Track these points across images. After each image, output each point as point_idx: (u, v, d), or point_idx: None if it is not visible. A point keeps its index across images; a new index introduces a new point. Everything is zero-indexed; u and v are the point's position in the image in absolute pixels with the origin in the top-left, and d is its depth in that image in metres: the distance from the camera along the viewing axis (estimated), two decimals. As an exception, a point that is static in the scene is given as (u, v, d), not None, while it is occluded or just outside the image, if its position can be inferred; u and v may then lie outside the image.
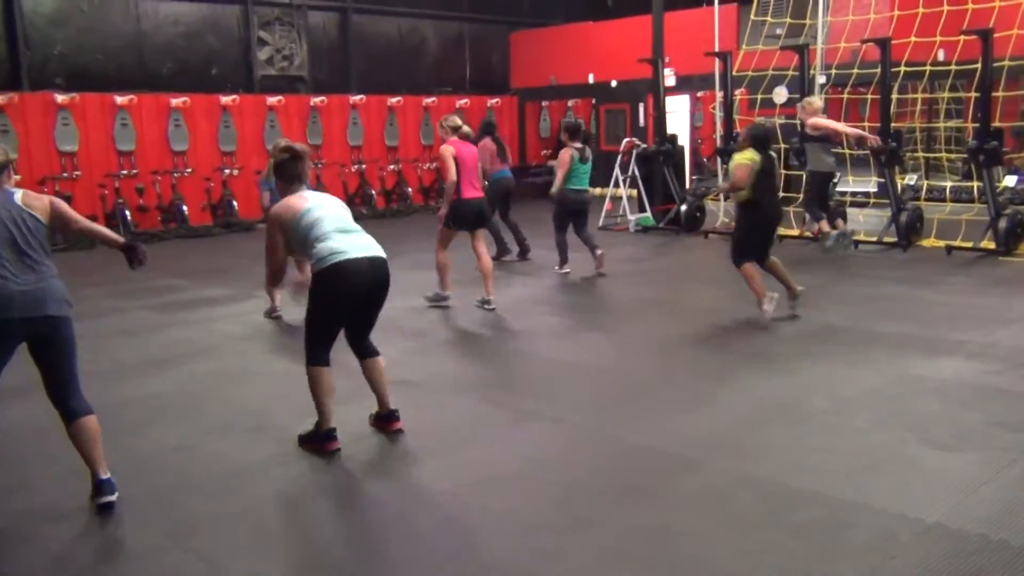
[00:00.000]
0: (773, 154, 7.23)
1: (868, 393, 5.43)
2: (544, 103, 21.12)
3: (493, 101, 20.22)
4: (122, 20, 15.58)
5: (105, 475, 4.13)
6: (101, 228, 4.52)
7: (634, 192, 13.72)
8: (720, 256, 11.20)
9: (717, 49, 12.97)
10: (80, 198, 13.84)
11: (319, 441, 4.73)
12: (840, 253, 10.12)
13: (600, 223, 13.53)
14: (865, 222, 11.85)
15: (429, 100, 18.90)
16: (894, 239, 10.89)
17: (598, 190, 18.17)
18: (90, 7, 15.21)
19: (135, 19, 15.73)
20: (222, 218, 15.19)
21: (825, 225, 10.17)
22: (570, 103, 21.42)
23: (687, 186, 14.71)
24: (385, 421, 5.01)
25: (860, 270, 9.75)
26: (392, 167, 17.67)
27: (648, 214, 13.39)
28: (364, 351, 4.98)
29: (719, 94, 13.03)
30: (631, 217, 13.36)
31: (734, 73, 12.72)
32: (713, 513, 3.90)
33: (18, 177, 12.22)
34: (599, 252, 9.64)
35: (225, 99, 15.82)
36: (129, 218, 14.06)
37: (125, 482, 4.33)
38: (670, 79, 15.79)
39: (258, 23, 17.10)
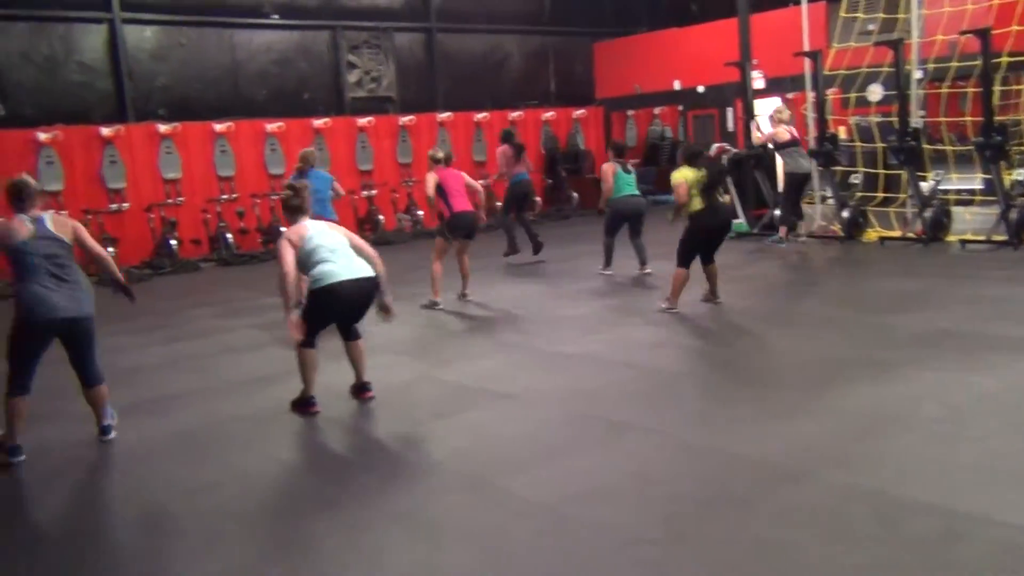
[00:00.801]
0: (709, 168, 8.09)
1: (983, 399, 5.20)
2: (630, 112, 21.00)
3: (578, 112, 20.23)
4: (218, 51, 16.19)
5: (106, 422, 5.56)
6: (109, 260, 5.76)
7: (726, 198, 13.47)
8: (819, 261, 10.93)
9: (807, 49, 12.66)
10: (184, 223, 14.44)
11: (304, 406, 5.84)
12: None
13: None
14: (972, 220, 11.37)
15: (515, 114, 19.02)
16: (1004, 237, 10.41)
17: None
18: (189, 40, 15.87)
19: (230, 49, 16.33)
20: (317, 238, 15.55)
21: (783, 230, 11.82)
22: (656, 111, 21.26)
23: (780, 190, 14.39)
24: (360, 391, 6.10)
25: (969, 271, 9.37)
26: (481, 182, 17.77)
27: (741, 220, 13.14)
28: (349, 336, 6.08)
29: (810, 95, 12.72)
30: (723, 223, 13.12)
31: (825, 72, 12.40)
32: (820, 526, 3.79)
33: (62, 210, 12.79)
34: (647, 269, 10.32)
35: (317, 122, 16.26)
36: (231, 240, 14.56)
37: (233, 499, 4.48)
38: (759, 81, 15.48)
39: (347, 47, 17.55)
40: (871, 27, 13.32)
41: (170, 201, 14.44)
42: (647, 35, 20.60)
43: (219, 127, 15.17)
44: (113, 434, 5.55)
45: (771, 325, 7.65)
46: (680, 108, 20.02)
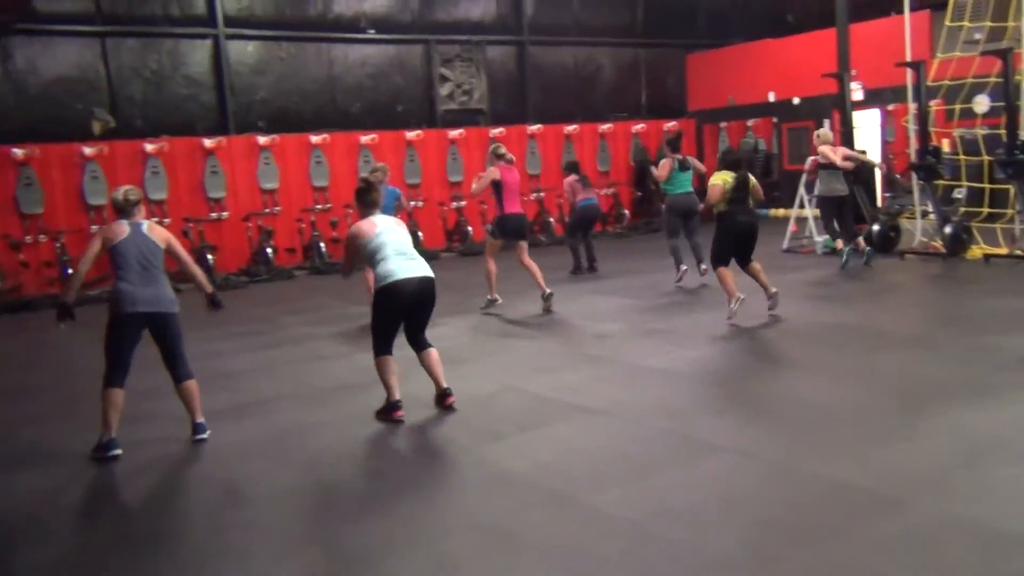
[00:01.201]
0: (744, 173, 8.49)
1: (1097, 428, 4.90)
2: (722, 124, 20.69)
3: (670, 124, 20.01)
4: (316, 65, 16.64)
5: (200, 420, 5.79)
6: (197, 272, 6.06)
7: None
8: (920, 278, 10.54)
9: (909, 59, 12.24)
10: (281, 232, 14.85)
11: (388, 411, 5.95)
12: (851, 265, 11.13)
13: (785, 245, 13.05)
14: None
15: (605, 127, 18.96)
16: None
17: (781, 211, 17.60)
18: (288, 55, 16.35)
19: (328, 63, 16.76)
20: (407, 247, 15.78)
21: (840, 243, 11.55)
22: (749, 123, 20.89)
23: (879, 204, 13.94)
24: (442, 398, 6.10)
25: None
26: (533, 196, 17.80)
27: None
28: (419, 345, 6.13)
29: (912, 106, 12.28)
30: (818, 238, 12.78)
31: (928, 83, 11.97)
32: (918, 558, 3.62)
33: (165, 218, 13.21)
34: (704, 267, 10.31)
35: (410, 134, 16.53)
36: (324, 249, 14.90)
37: (317, 504, 4.56)
38: (858, 93, 15.05)
39: (440, 60, 17.79)
40: (977, 36, 12.78)
41: (267, 211, 14.88)
42: (741, 46, 20.27)
43: (315, 139, 15.57)
44: (207, 433, 5.79)
45: (868, 344, 7.39)
46: (774, 120, 19.63)
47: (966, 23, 12.61)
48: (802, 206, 13.10)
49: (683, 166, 10.74)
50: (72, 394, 7.32)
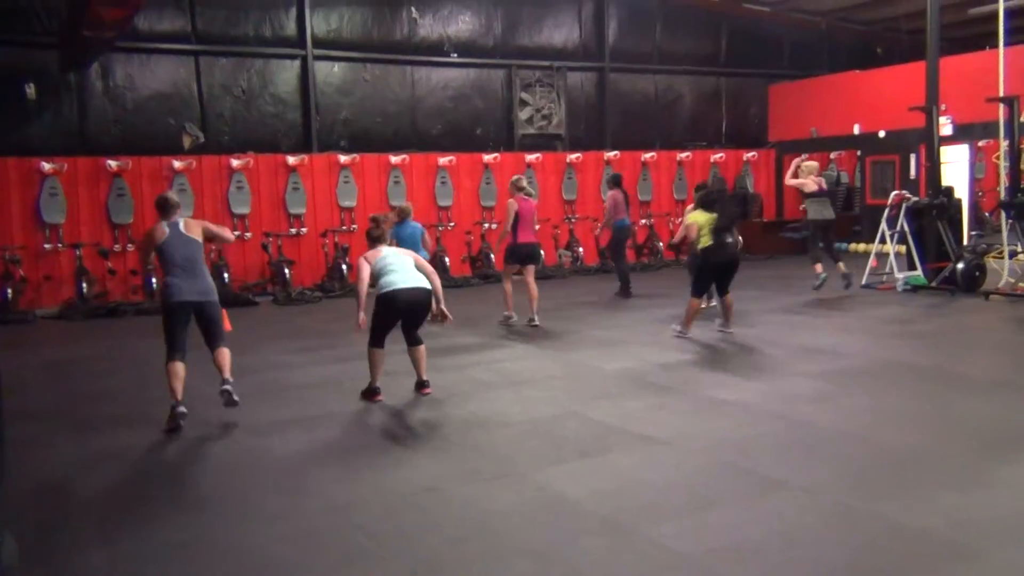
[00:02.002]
0: (731, 211, 9.41)
1: None
2: (803, 156, 20.34)
3: (749, 155, 19.80)
4: (399, 87, 16.95)
5: (228, 376, 6.65)
6: (227, 234, 7.41)
7: (902, 248, 12.77)
8: (1005, 320, 10.15)
9: (1002, 94, 11.85)
10: (356, 250, 15.08)
11: (370, 394, 7.13)
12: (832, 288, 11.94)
13: (864, 281, 12.72)
14: None
15: (683, 155, 18.83)
16: None
17: (862, 246, 17.18)
18: (372, 76, 16.70)
19: (410, 85, 17.06)
20: (480, 269, 15.91)
21: (819, 267, 12.08)
22: (832, 155, 20.51)
23: (965, 242, 13.50)
24: (420, 387, 7.29)
25: None
26: (644, 221, 17.69)
27: (919, 272, 12.40)
28: (411, 341, 7.32)
29: (1004, 143, 11.88)
30: (899, 275, 12.42)
31: (1022, 119, 11.56)
32: (989, 610, 3.46)
33: (247, 232, 13.44)
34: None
35: (487, 157, 16.67)
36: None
37: (374, 519, 4.59)
38: (946, 128, 14.64)
39: (520, 85, 17.94)
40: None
41: (344, 228, 15.15)
42: (826, 77, 19.95)
43: (395, 159, 15.83)
44: (235, 396, 6.59)
45: (946, 386, 7.13)
46: (858, 153, 19.23)
47: (1064, 58, 12.20)
48: (883, 241, 12.76)
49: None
50: (149, 399, 7.55)
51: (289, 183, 14.99)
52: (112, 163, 13.74)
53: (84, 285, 13.12)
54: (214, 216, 14.50)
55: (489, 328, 10.50)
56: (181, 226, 6.66)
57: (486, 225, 16.38)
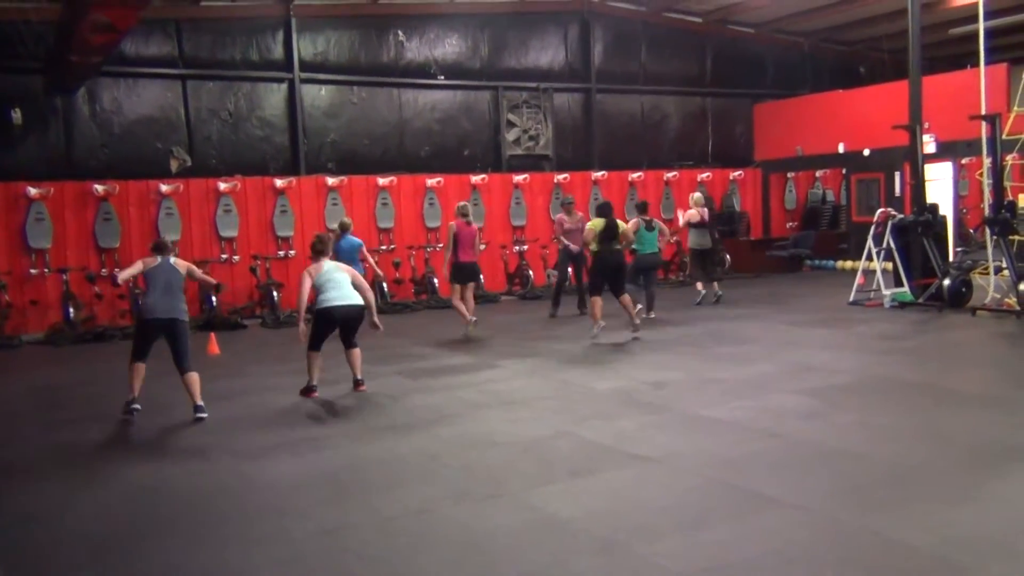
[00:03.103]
0: (613, 220, 10.46)
1: None
2: (789, 174, 20.51)
3: (736, 174, 19.92)
4: (387, 109, 17.02)
5: (199, 403, 7.44)
6: (205, 278, 8.53)
7: (889, 265, 12.86)
8: (992, 336, 10.21)
9: (984, 112, 11.98)
10: (344, 271, 15.07)
11: (307, 391, 8.18)
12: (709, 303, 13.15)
13: (851, 298, 12.78)
14: None
15: (670, 174, 18.94)
16: None
17: (849, 263, 17.28)
18: (360, 99, 16.76)
19: (398, 107, 17.13)
20: (469, 290, 15.89)
21: (700, 285, 13.75)
22: (818, 173, 20.68)
23: (950, 259, 13.60)
24: (356, 385, 8.32)
25: None
26: (670, 239, 17.72)
27: (906, 289, 12.47)
28: (348, 345, 8.36)
29: (987, 160, 12.00)
30: (886, 292, 12.49)
31: (1004, 137, 11.69)
32: (984, 625, 3.46)
33: (235, 256, 13.48)
34: (652, 315, 11.95)
35: (475, 178, 16.72)
36: (386, 289, 15.08)
37: (365, 543, 4.56)
38: (930, 146, 14.79)
39: (507, 106, 18.04)
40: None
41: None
42: (811, 97, 20.16)
43: (382, 181, 15.86)
44: (205, 414, 7.40)
45: (935, 401, 7.16)
46: (844, 171, 19.39)
47: (1045, 76, 12.34)
48: (870, 258, 12.84)
49: (649, 227, 12.25)
50: (137, 425, 7.50)
51: (277, 206, 14.99)
52: (99, 187, 13.71)
53: (71, 310, 13.05)
54: (202, 239, 14.50)
55: (479, 349, 10.50)
56: (171, 260, 7.82)
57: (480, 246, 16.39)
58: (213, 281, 8.83)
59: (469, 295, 11.68)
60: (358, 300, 8.15)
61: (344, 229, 11.90)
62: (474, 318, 11.45)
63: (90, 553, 4.68)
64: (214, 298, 13.84)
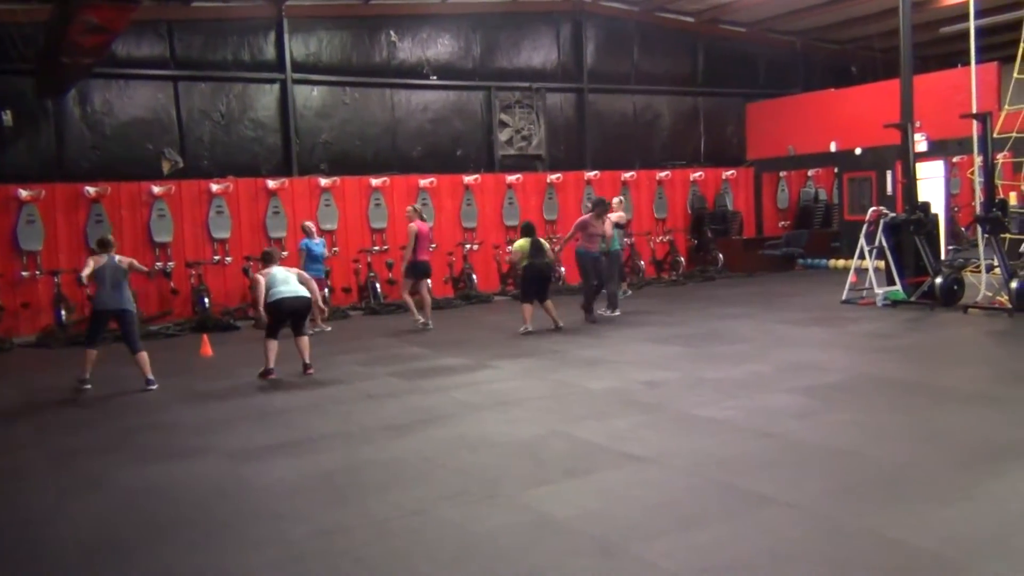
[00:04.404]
0: (537, 239, 11.82)
1: None
2: (782, 173, 20.55)
3: (728, 173, 19.96)
4: (379, 109, 17.00)
5: (150, 377, 9.03)
6: (141, 267, 9.83)
7: (881, 264, 12.90)
8: (984, 334, 10.24)
9: (975, 110, 12.03)
10: (337, 272, 15.06)
11: (264, 374, 9.20)
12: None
13: (843, 296, 12.82)
14: None
15: (663, 174, 18.97)
16: None
17: (841, 262, 17.33)
18: (352, 100, 16.74)
19: (390, 108, 17.11)
20: (462, 290, 15.90)
21: (625, 285, 14.70)
22: (810, 172, 20.74)
23: (942, 257, 13.64)
24: (305, 368, 9.35)
25: None
26: (626, 240, 17.72)
27: (898, 287, 12.51)
28: (297, 333, 9.46)
29: (978, 158, 12.05)
30: (878, 290, 12.53)
31: (995, 135, 11.74)
32: (978, 623, 3.47)
33: (227, 257, 13.46)
34: (560, 324, 11.87)
35: (468, 178, 16.71)
36: (379, 290, 15.06)
37: (361, 544, 4.55)
38: (921, 144, 14.85)
39: (499, 106, 18.03)
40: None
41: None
42: (802, 96, 20.21)
43: (375, 182, 15.84)
44: (155, 386, 8.96)
45: (929, 400, 7.18)
46: (836, 170, 19.44)
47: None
48: (862, 257, 12.88)
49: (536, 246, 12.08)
50: (127, 427, 7.48)
51: (269, 207, 14.96)
52: (90, 189, 13.67)
53: (63, 312, 12.99)
54: (194, 241, 14.46)
55: (473, 349, 10.49)
56: (115, 259, 9.12)
57: (468, 246, 16.39)
58: (146, 269, 10.30)
59: (425, 292, 12.58)
60: (305, 292, 9.41)
61: (308, 233, 13.10)
62: (430, 323, 12.40)
63: (84, 558, 4.66)
64: (207, 299, 13.81)
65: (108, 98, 14.72)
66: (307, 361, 9.40)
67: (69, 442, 7.10)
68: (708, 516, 4.76)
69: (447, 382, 8.70)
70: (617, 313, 12.64)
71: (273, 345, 9.27)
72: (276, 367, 9.23)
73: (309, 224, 13.20)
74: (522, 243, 11.85)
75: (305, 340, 9.49)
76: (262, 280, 9.41)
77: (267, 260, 9.87)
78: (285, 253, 9.48)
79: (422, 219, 12.55)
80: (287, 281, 9.42)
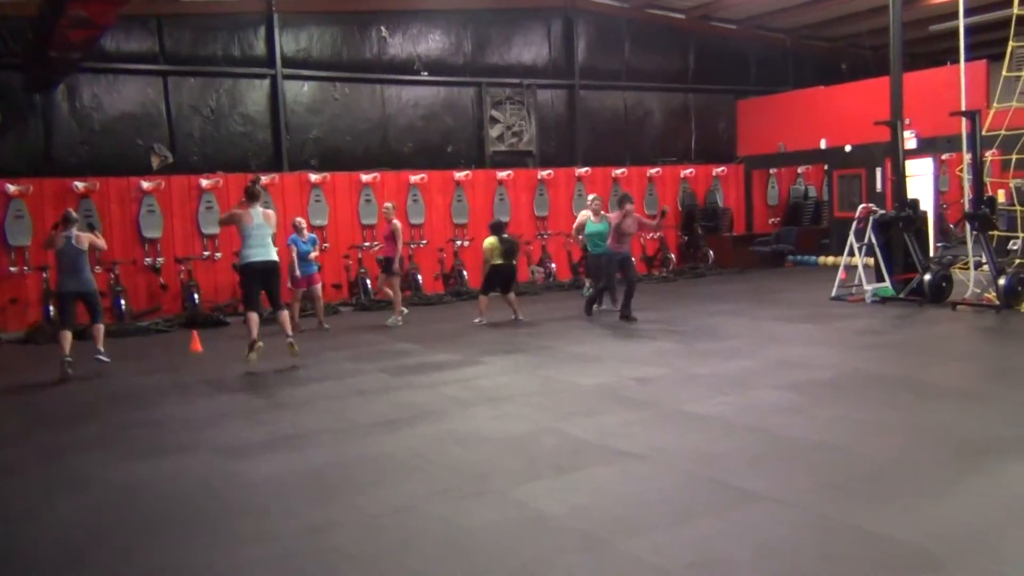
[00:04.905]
0: (508, 239, 12.39)
1: None
2: (772, 170, 20.60)
3: (718, 170, 20.00)
4: (369, 105, 16.96)
5: (101, 349, 9.71)
6: (101, 243, 10.16)
7: (871, 261, 12.95)
8: (972, 330, 10.30)
9: (964, 108, 12.08)
10: (328, 268, 15.03)
11: (249, 348, 9.09)
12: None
13: (833, 293, 12.86)
14: None
15: (653, 171, 18.99)
16: None
17: (831, 259, 17.38)
18: (343, 95, 16.69)
19: (381, 104, 17.08)
20: (453, 287, 15.89)
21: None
22: (800, 169, 20.80)
23: (931, 254, 13.70)
24: (290, 344, 9.34)
25: None
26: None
27: (887, 284, 12.56)
28: (275, 308, 9.52)
29: (967, 156, 12.10)
30: (868, 287, 12.58)
31: (984, 133, 11.79)
32: (964, 617, 3.49)
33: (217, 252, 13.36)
34: (520, 317, 12.33)
35: (459, 175, 16.70)
36: (369, 286, 15.04)
37: (351, 540, 4.55)
38: (911, 142, 14.90)
39: (490, 102, 18.01)
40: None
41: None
42: (793, 93, 20.26)
43: (366, 177, 15.81)
44: (107, 359, 9.68)
45: (917, 396, 7.22)
46: (825, 167, 19.50)
47: (1024, 73, 12.45)
48: (852, 254, 12.92)
49: (504, 241, 12.54)
50: (118, 422, 7.46)
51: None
52: (79, 184, 13.61)
53: (51, 308, 12.94)
54: (184, 236, 14.42)
55: (463, 345, 10.49)
56: (74, 239, 9.41)
57: (459, 242, 16.38)
58: (105, 245, 10.48)
59: (396, 284, 12.85)
60: (274, 256, 9.32)
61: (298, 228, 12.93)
62: (401, 317, 12.74)
63: (71, 555, 4.65)
64: (196, 295, 13.77)
65: (97, 93, 14.65)
66: (290, 336, 9.42)
67: (57, 438, 7.08)
68: (697, 512, 4.78)
69: (437, 378, 8.69)
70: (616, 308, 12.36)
71: (254, 318, 9.20)
72: (264, 364, 9.21)
73: (300, 220, 13.06)
74: (492, 241, 12.11)
75: (285, 314, 9.54)
76: (239, 212, 9.21)
77: (251, 194, 9.34)
78: (275, 248, 9.43)
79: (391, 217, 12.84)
80: (263, 243, 9.19)
